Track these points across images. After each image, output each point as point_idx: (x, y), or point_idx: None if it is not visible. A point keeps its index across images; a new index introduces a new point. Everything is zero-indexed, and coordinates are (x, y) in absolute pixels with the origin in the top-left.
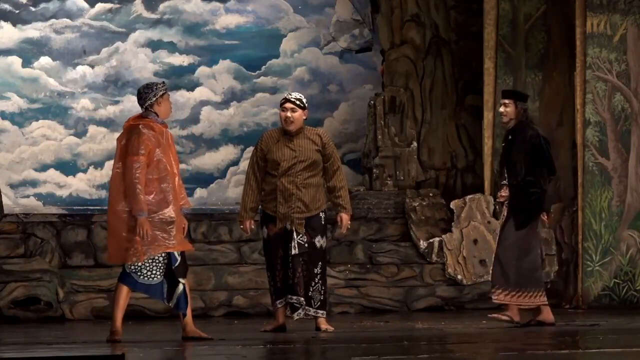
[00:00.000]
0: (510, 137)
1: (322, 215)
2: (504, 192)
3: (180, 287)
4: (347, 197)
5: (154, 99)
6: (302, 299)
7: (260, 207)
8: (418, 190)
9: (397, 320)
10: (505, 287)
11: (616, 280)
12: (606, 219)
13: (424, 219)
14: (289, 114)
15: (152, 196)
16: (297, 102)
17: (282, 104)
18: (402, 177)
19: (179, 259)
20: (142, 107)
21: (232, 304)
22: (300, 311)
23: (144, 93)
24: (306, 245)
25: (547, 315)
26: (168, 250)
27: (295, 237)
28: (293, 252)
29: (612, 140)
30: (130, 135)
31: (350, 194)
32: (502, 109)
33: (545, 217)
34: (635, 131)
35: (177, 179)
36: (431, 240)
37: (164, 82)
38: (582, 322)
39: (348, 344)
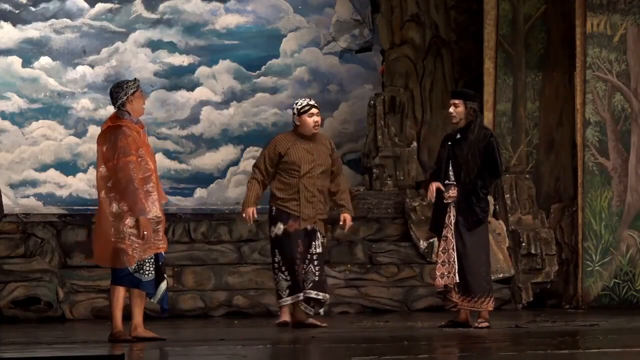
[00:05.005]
0: (459, 136)
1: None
2: (452, 193)
3: (165, 283)
4: (349, 199)
5: (125, 97)
6: (327, 295)
7: (273, 206)
8: (418, 190)
9: (397, 320)
10: (468, 293)
11: (616, 280)
12: (606, 219)
13: (424, 219)
14: (316, 118)
15: None
16: (318, 107)
17: (307, 110)
18: (402, 177)
19: (164, 255)
20: (114, 106)
21: (232, 304)
22: (326, 307)
23: (115, 92)
24: (322, 245)
25: (465, 316)
26: (158, 251)
27: (319, 236)
28: (317, 250)
29: (612, 140)
30: (115, 136)
31: (350, 194)
32: (451, 109)
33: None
34: (635, 131)
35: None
36: (431, 240)
37: (135, 80)
38: (582, 322)
39: (348, 344)
